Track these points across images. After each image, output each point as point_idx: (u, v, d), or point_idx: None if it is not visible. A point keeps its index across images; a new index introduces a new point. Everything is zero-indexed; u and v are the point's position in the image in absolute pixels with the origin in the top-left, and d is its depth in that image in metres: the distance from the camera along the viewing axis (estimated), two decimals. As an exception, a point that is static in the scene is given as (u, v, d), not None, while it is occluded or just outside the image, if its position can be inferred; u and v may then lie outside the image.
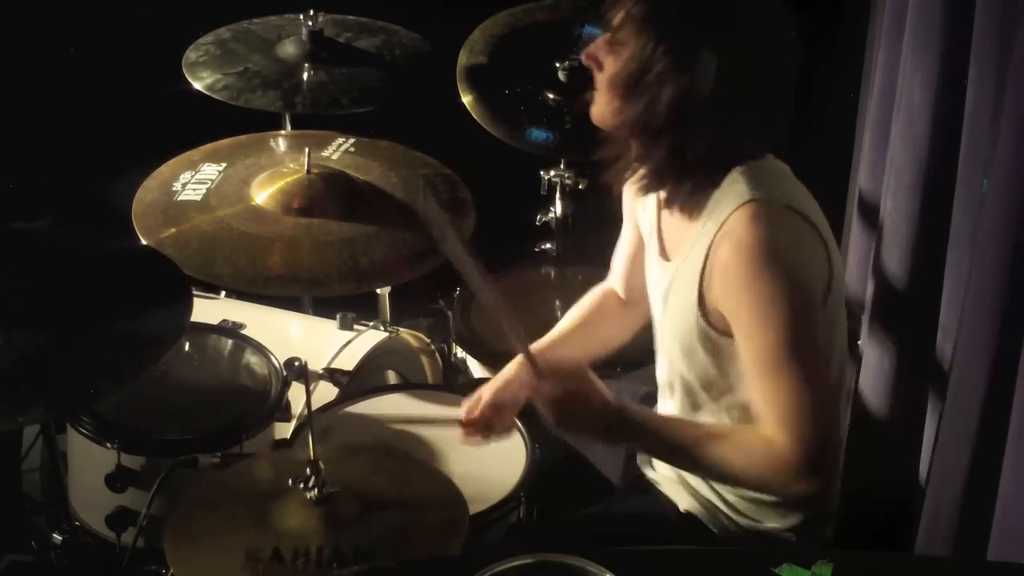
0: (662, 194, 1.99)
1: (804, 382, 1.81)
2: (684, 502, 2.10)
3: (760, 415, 1.85)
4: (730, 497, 2.05)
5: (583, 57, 1.94)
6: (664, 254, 2.04)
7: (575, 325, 2.31)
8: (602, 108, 1.94)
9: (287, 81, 2.84)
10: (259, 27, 3.03)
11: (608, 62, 1.90)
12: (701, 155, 1.88)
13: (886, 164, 2.50)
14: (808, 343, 1.83)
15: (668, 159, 1.90)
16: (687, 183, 1.91)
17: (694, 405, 2.03)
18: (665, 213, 2.02)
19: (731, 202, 1.86)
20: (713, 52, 1.81)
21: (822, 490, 1.85)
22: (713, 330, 1.92)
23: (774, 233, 1.83)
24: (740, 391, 1.95)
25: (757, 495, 2.02)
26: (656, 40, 1.83)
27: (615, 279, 2.31)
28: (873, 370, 2.47)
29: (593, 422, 1.90)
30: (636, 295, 2.21)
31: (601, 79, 1.92)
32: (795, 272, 1.83)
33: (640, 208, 2.12)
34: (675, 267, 1.98)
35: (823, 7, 3.28)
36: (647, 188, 1.98)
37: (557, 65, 2.90)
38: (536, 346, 2.21)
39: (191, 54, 2.91)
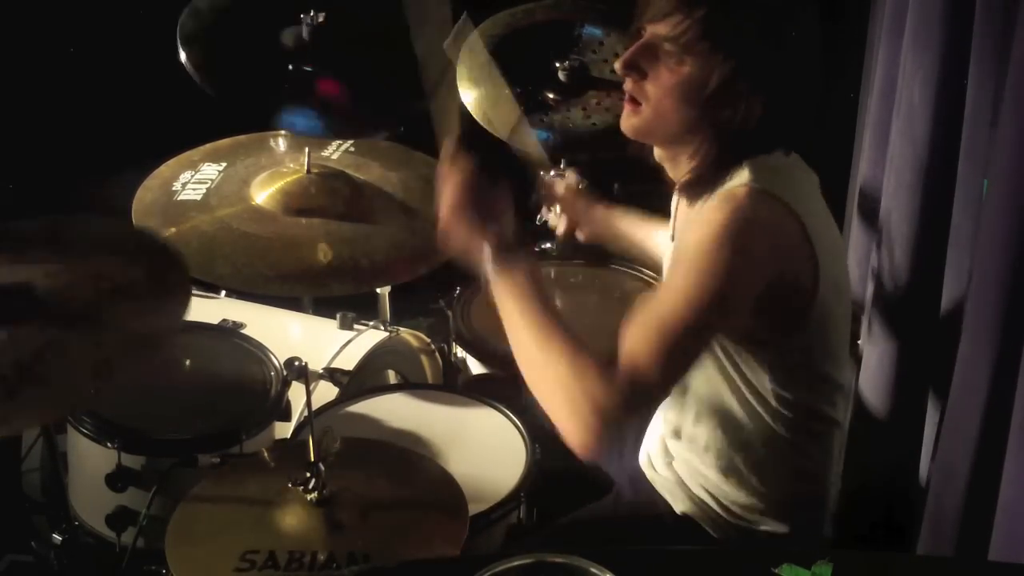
0: (676, 180, 2.00)
1: (664, 353, 1.75)
2: (680, 504, 2.11)
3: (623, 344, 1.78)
4: (725, 500, 2.06)
5: (617, 66, 1.89)
6: (673, 235, 2.06)
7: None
8: (649, 118, 1.89)
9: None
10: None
11: (661, 71, 1.85)
12: (725, 150, 1.88)
13: (886, 164, 2.50)
14: (694, 329, 1.77)
15: (704, 157, 1.90)
16: (703, 173, 1.91)
17: (682, 401, 2.05)
18: (680, 200, 2.03)
19: (730, 185, 1.86)
20: (773, 55, 1.82)
21: (592, 454, 1.74)
22: None
23: (750, 210, 1.81)
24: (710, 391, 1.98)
25: (751, 501, 2.03)
26: (731, 46, 1.80)
27: None
28: (873, 370, 2.47)
29: (475, 231, 1.83)
30: None
31: (653, 88, 1.87)
32: (739, 260, 1.78)
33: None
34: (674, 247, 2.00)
35: (823, 7, 3.27)
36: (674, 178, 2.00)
37: (557, 65, 2.90)
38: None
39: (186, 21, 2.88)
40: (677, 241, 1.98)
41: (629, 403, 1.73)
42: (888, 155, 2.49)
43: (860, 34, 2.93)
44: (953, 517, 2.00)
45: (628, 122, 1.92)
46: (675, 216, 2.07)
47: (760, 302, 1.84)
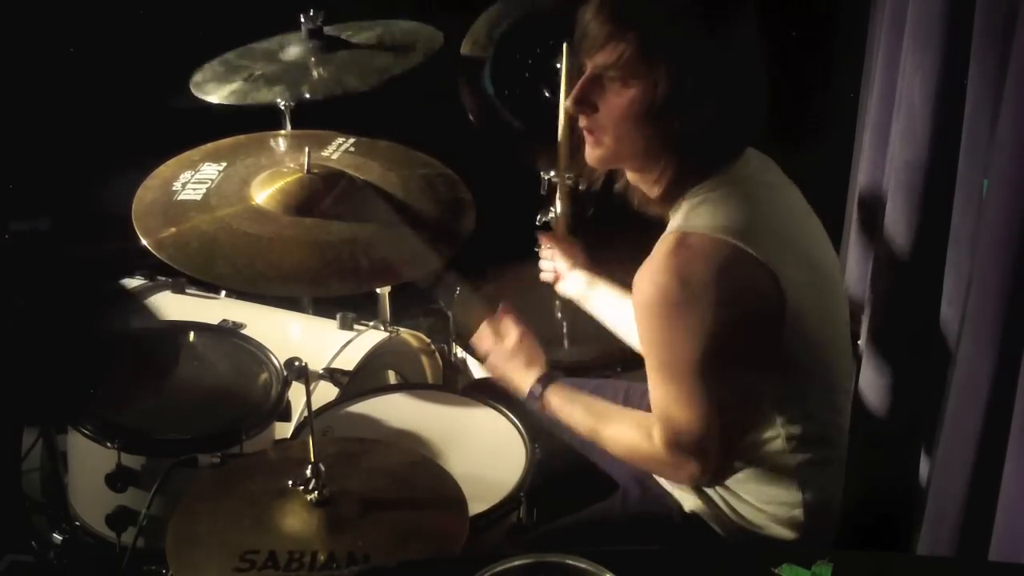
0: (651, 204, 2.01)
1: (685, 396, 1.90)
2: (689, 502, 2.11)
3: (653, 408, 1.97)
4: (733, 500, 2.06)
5: (567, 105, 1.92)
6: None
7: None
8: (611, 146, 1.92)
9: (292, 76, 2.84)
10: (261, 45, 3.03)
11: (610, 99, 1.87)
12: (685, 165, 1.90)
13: (886, 164, 2.50)
14: (689, 366, 1.88)
15: (669, 174, 1.92)
16: (666, 194, 1.94)
17: None
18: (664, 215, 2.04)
19: (671, 225, 1.92)
20: (713, 57, 1.83)
21: (700, 477, 2.00)
22: None
23: (679, 267, 1.85)
24: None
25: (761, 507, 2.03)
26: (669, 59, 1.82)
27: None
28: (873, 370, 2.47)
29: (517, 377, 2.19)
30: None
31: (607, 117, 1.89)
32: (696, 304, 1.84)
33: None
34: None
35: (823, 7, 3.28)
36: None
37: (558, 66, 2.90)
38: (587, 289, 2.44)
39: (197, 76, 2.91)
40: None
41: (684, 453, 1.96)
42: (888, 155, 2.49)
43: (860, 34, 2.93)
44: (953, 517, 2.00)
45: (593, 154, 1.95)
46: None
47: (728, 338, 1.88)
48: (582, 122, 1.93)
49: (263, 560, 1.82)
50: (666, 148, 1.90)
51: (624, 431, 2.05)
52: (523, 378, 2.18)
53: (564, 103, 1.94)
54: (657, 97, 1.84)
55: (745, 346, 1.89)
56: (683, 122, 1.85)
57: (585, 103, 1.90)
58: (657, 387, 1.95)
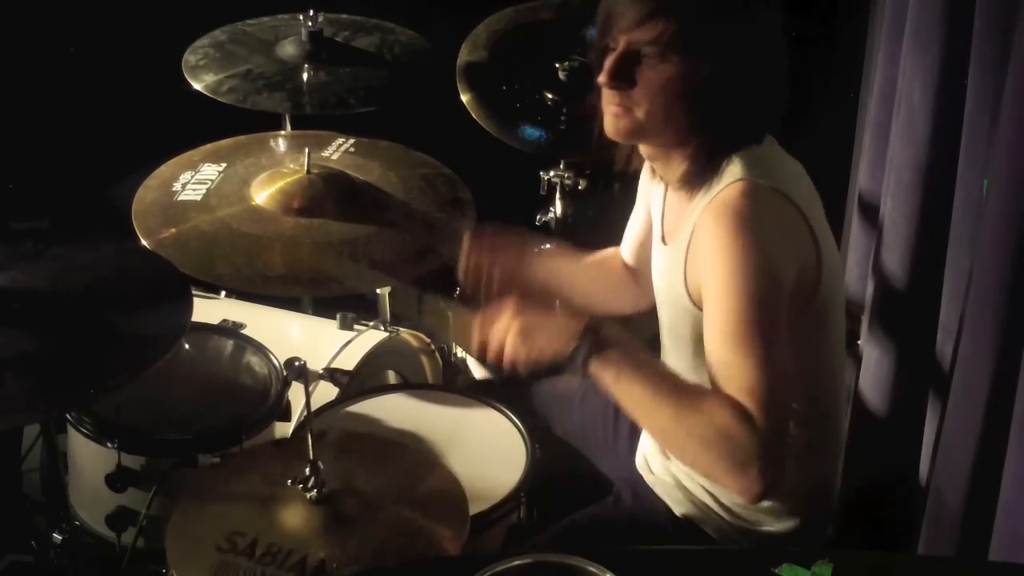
0: (669, 180, 2.00)
1: (762, 358, 1.75)
2: (680, 506, 2.10)
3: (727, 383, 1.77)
4: (725, 500, 2.05)
5: (603, 80, 1.88)
6: (663, 239, 2.05)
7: (578, 274, 2.32)
8: (641, 120, 1.88)
9: (291, 82, 2.83)
10: (254, 28, 3.02)
11: (647, 74, 1.85)
12: (715, 143, 1.89)
13: (886, 164, 2.51)
14: (769, 321, 1.78)
15: (697, 154, 1.91)
16: (696, 169, 1.92)
17: None
18: (670, 199, 2.03)
19: (725, 181, 1.88)
20: (752, 39, 1.85)
21: (763, 491, 1.73)
22: (696, 307, 1.91)
23: (756, 208, 1.82)
24: None
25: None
26: (711, 39, 1.82)
27: (624, 249, 2.29)
28: (873, 370, 2.47)
29: (556, 338, 1.84)
30: (643, 274, 2.18)
31: (643, 93, 1.86)
32: (768, 249, 1.81)
33: (652, 193, 2.13)
34: (670, 249, 1.99)
35: (823, 7, 3.28)
36: (656, 174, 2.02)
37: (557, 65, 2.90)
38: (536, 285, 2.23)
39: (190, 57, 2.91)
40: (676, 245, 1.97)
41: (773, 428, 1.73)
42: (888, 155, 2.49)
43: (860, 34, 2.93)
44: (953, 517, 2.00)
45: (618, 124, 1.91)
46: (663, 216, 2.07)
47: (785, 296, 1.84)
48: (614, 99, 1.89)
49: (244, 545, 1.83)
50: (696, 131, 1.89)
51: (712, 413, 1.74)
52: (559, 342, 1.84)
53: (599, 79, 1.89)
54: (698, 74, 1.83)
55: (792, 308, 1.85)
56: (720, 103, 1.84)
57: (622, 78, 1.87)
58: (724, 354, 1.76)
